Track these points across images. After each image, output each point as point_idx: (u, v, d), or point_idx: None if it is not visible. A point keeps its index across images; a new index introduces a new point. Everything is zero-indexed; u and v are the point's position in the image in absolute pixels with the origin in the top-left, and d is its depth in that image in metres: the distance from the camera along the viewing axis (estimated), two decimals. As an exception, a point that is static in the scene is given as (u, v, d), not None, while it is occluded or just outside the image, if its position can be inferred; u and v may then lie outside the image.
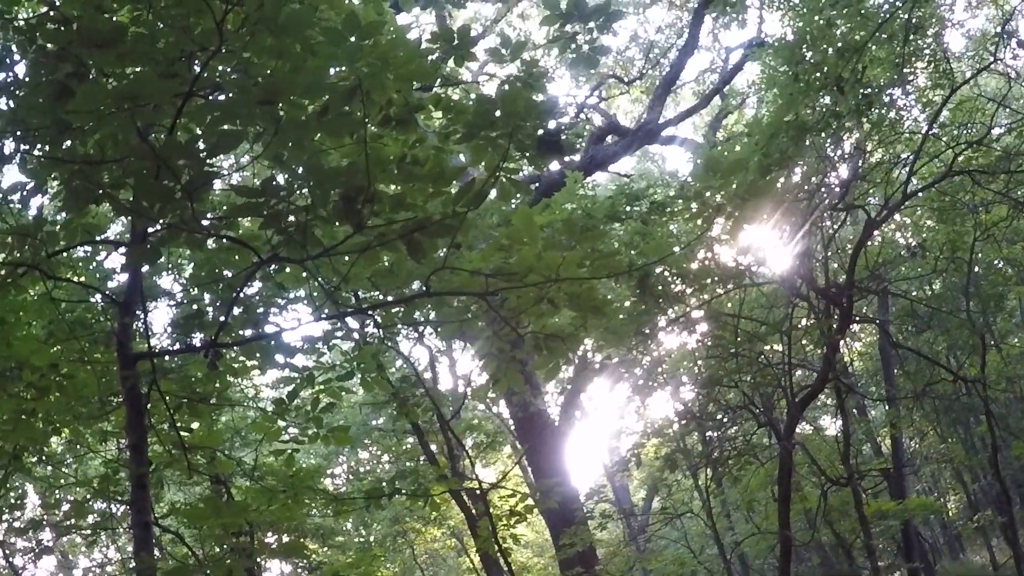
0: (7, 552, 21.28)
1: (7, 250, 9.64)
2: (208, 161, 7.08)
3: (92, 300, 13.30)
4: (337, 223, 7.49)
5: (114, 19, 7.30)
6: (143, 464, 9.36)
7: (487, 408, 27.34)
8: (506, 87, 7.88)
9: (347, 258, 8.66)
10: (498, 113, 7.30)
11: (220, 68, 7.29)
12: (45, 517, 18.80)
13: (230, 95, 6.84)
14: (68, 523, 17.13)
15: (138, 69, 7.21)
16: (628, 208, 16.93)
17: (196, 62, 7.33)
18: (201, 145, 6.97)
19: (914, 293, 25.50)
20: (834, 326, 16.86)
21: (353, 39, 6.70)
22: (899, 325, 26.46)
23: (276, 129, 6.71)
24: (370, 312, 10.52)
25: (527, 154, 7.68)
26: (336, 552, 28.41)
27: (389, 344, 14.55)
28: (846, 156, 17.14)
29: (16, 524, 19.26)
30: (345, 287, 9.28)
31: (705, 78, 30.73)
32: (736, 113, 29.50)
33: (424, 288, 8.30)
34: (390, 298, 10.10)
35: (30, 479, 19.68)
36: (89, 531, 18.82)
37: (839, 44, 14.84)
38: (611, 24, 9.69)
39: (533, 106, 7.36)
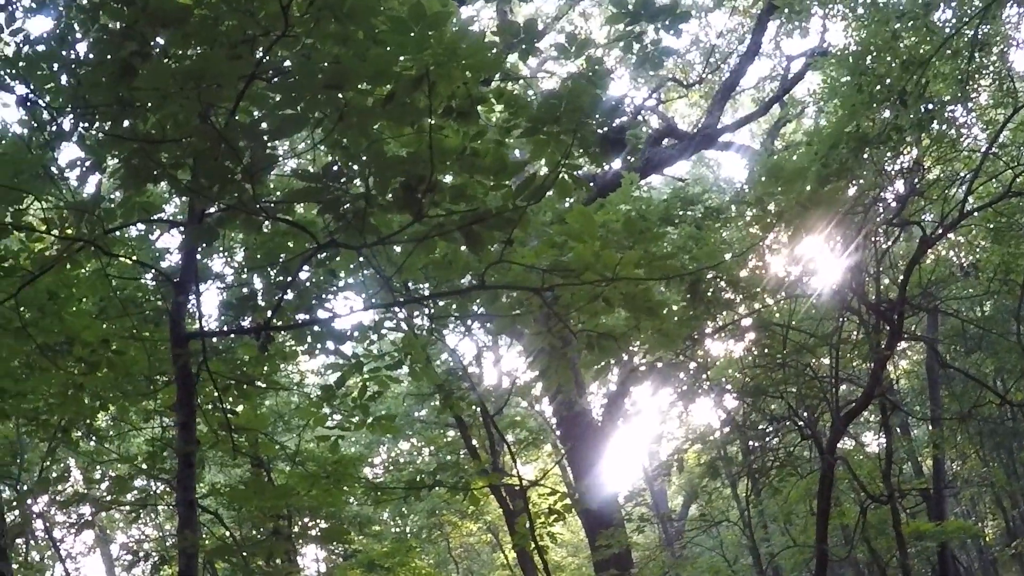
0: (47, 524, 21.42)
1: (64, 225, 9.70)
2: (269, 144, 7.11)
3: (144, 279, 13.35)
4: (396, 211, 7.49)
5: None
6: (191, 442, 9.39)
7: (530, 405, 27.33)
8: (570, 83, 7.85)
9: (399, 248, 8.67)
10: (563, 109, 7.29)
11: (280, 53, 7.31)
12: (87, 491, 18.88)
13: (294, 79, 6.83)
14: (109, 498, 17.19)
15: (200, 50, 7.23)
16: (682, 212, 16.88)
17: (258, 46, 7.34)
18: (262, 128, 6.99)
19: (965, 313, 25.26)
20: (883, 342, 16.74)
21: (418, 29, 6.70)
22: (948, 345, 26.25)
23: (340, 115, 6.71)
24: (424, 303, 10.53)
25: (589, 151, 7.65)
26: (372, 541, 28.46)
27: (437, 336, 14.53)
28: (904, 171, 16.99)
29: (58, 497, 19.37)
30: (399, 277, 9.27)
31: (765, 85, 30.64)
32: (794, 122, 29.36)
33: (479, 281, 8.28)
34: (441, 290, 10.10)
35: (74, 453, 19.81)
36: (129, 508, 18.90)
37: (904, 57, 14.70)
38: (678, 25, 9.63)
39: (598, 103, 7.34)
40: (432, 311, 11.17)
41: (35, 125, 9.54)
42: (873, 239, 16.67)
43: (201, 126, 6.99)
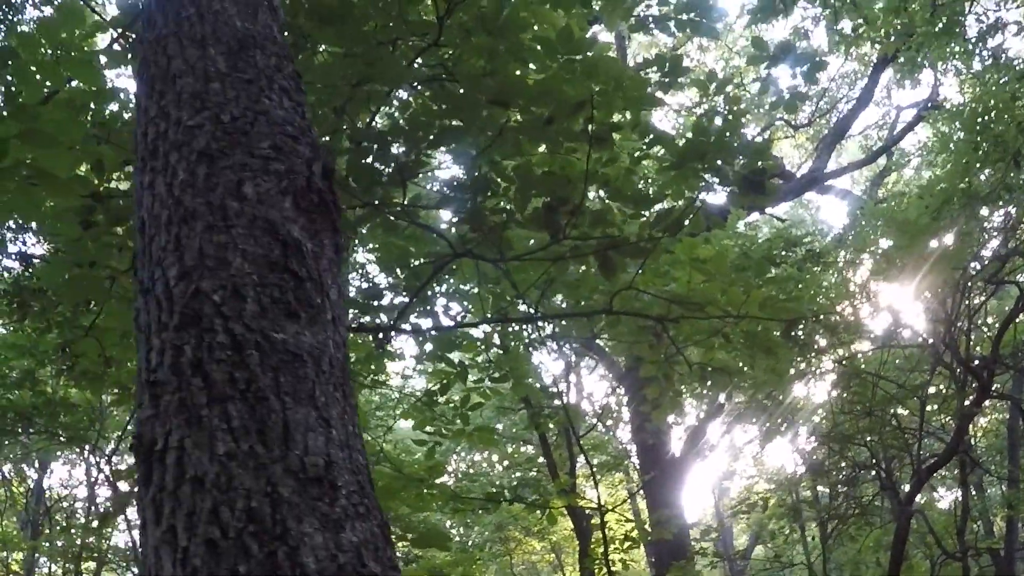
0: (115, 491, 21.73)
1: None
2: (425, 151, 7.25)
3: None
4: (535, 229, 7.60)
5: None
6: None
7: (606, 430, 27.22)
8: (719, 122, 7.93)
9: (504, 264, 8.78)
10: (710, 146, 7.38)
11: (419, 60, 7.45)
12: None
13: (462, 90, 6.96)
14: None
15: (339, 49, 7.38)
16: (784, 252, 16.96)
17: (396, 49, 7.49)
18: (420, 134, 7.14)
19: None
20: (969, 399, 16.71)
21: (580, 58, 6.83)
22: (1032, 405, 26.02)
23: (500, 130, 6.84)
24: (550, 321, 10.63)
25: (730, 191, 7.73)
26: (435, 549, 28.44)
27: (536, 350, 14.58)
28: (1005, 229, 16.96)
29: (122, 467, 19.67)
30: (515, 291, 9.37)
31: (872, 133, 30.61)
32: (896, 172, 29.24)
33: (607, 306, 8.37)
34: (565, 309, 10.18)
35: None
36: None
37: (1022, 119, 14.70)
38: (816, 72, 9.72)
39: (745, 144, 7.43)
40: (557, 329, 11.27)
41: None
42: (968, 294, 16.67)
43: (361, 128, 7.15)
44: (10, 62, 6.37)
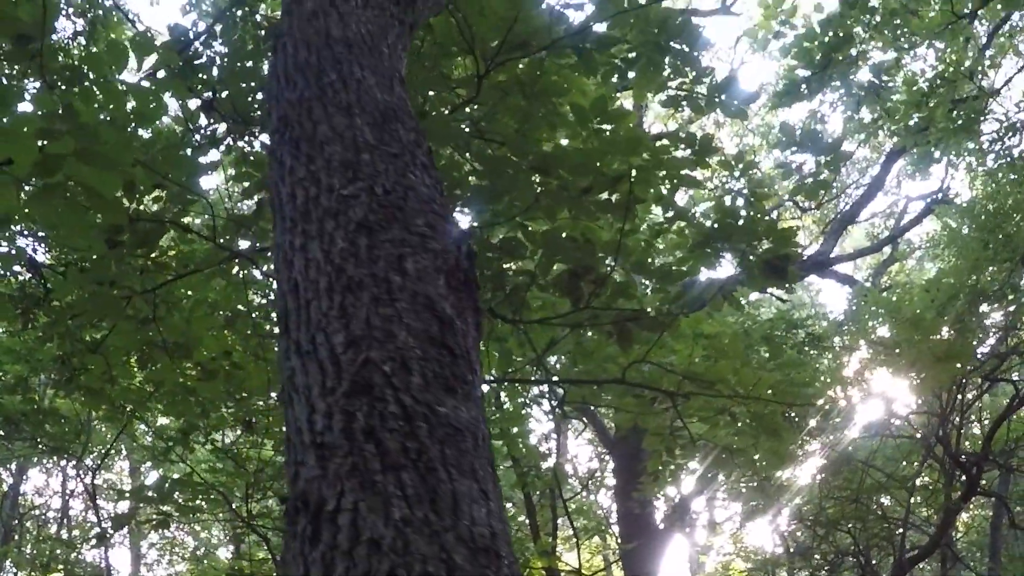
0: (89, 506, 21.69)
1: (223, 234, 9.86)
2: (460, 208, 7.32)
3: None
4: (556, 295, 7.65)
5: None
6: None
7: (587, 494, 27.13)
8: (739, 202, 8.01)
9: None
10: (737, 228, 7.45)
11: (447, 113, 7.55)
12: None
13: (505, 154, 7.04)
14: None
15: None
16: (784, 334, 17.03)
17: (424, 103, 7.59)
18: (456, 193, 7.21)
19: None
20: (956, 493, 16.77)
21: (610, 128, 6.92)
22: (1015, 503, 26.04)
23: (537, 196, 6.91)
24: (563, 385, 10.66)
25: (751, 274, 7.79)
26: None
27: (528, 412, 14.62)
28: (1005, 327, 17.07)
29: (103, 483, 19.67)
30: (538, 353, 9.41)
31: (879, 221, 30.74)
32: (899, 262, 29.37)
33: (620, 375, 8.41)
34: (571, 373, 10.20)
35: (136, 446, 20.03)
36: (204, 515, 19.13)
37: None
38: (839, 163, 9.83)
39: (773, 228, 7.50)
40: (565, 393, 11.30)
41: (190, 127, 9.72)
42: (963, 390, 16.76)
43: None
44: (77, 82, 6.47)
